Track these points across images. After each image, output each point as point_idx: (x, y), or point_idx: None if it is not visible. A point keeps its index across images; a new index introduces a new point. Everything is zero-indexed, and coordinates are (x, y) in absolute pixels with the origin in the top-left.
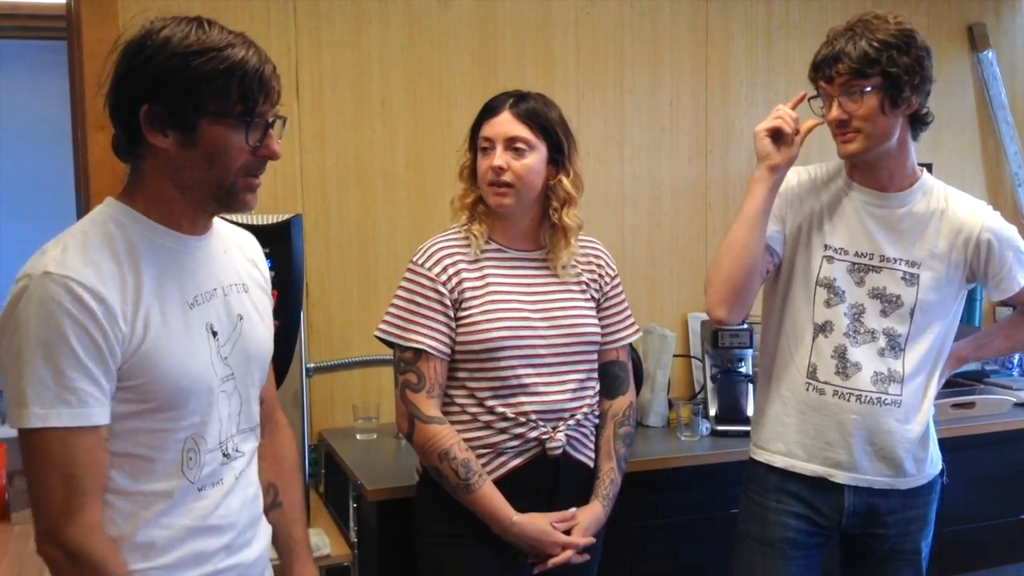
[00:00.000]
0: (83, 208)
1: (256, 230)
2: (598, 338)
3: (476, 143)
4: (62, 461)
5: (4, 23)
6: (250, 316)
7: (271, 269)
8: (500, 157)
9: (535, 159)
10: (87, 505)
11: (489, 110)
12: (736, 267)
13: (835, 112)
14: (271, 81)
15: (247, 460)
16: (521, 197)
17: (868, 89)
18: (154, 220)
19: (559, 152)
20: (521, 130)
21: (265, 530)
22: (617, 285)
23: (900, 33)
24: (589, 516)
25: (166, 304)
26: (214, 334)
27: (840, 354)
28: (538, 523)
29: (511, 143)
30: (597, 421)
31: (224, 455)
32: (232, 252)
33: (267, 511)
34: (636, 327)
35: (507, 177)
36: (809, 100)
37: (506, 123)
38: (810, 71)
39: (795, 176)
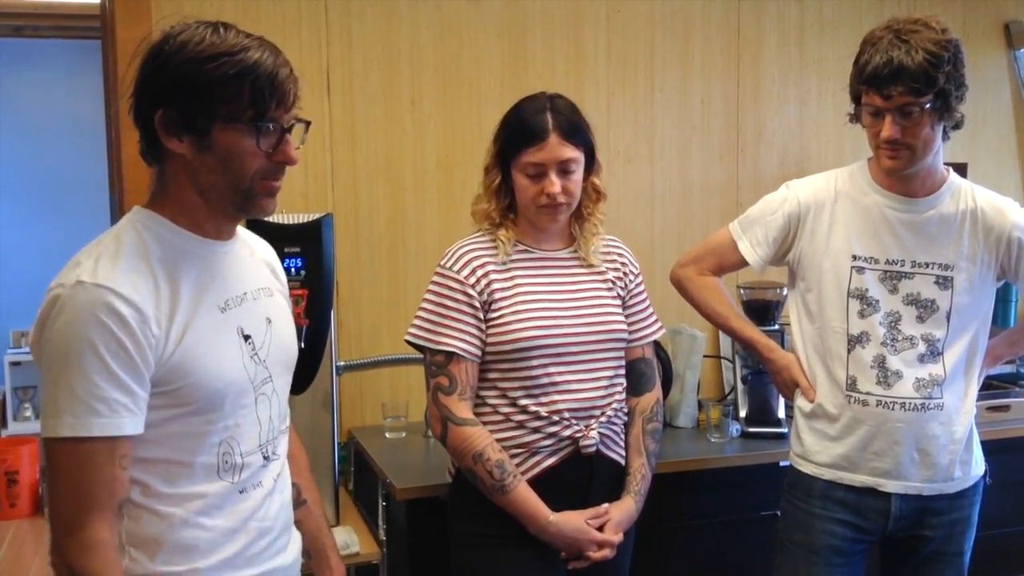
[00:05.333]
0: (117, 206)
1: (287, 229)
2: (626, 334)
3: (508, 161)
4: (75, 473)
5: (39, 22)
6: (277, 319)
7: (302, 268)
8: (557, 183)
9: (580, 171)
10: (93, 521)
11: (531, 134)
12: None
13: (891, 131)
14: (285, 85)
15: (282, 462)
16: (571, 210)
17: (927, 107)
18: (182, 227)
19: (591, 156)
20: (571, 152)
21: (297, 535)
22: (640, 283)
23: (948, 43)
24: (622, 511)
25: (201, 309)
26: (246, 337)
27: (880, 363)
28: (573, 521)
29: (563, 166)
30: (626, 419)
31: (264, 457)
32: (256, 257)
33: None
34: (660, 324)
35: (561, 199)
36: (851, 118)
37: (556, 148)
38: (860, 82)
39: (809, 188)
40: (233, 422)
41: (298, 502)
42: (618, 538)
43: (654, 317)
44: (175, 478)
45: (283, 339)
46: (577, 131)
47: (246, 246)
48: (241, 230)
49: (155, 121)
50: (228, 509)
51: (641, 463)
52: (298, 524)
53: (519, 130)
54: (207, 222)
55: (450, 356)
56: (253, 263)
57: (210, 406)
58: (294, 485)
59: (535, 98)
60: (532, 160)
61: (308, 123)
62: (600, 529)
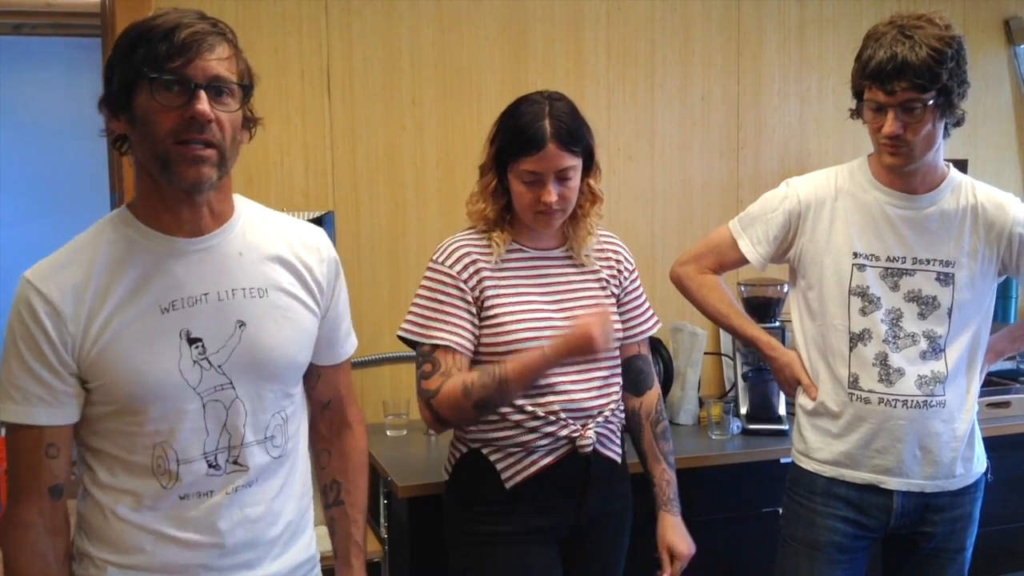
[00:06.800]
0: (117, 205)
1: None
2: (619, 334)
3: (505, 165)
4: (9, 455)
5: (39, 20)
6: (258, 322)
7: None
8: (554, 190)
9: (577, 177)
10: (19, 502)
11: (529, 143)
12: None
13: (893, 127)
14: (189, 39)
15: (254, 476)
16: (566, 215)
17: (929, 103)
18: (143, 222)
19: (590, 158)
20: (569, 160)
21: (285, 559)
22: (636, 279)
23: (952, 39)
24: (669, 531)
25: (133, 309)
26: (193, 341)
27: (882, 361)
28: (578, 325)
29: (561, 174)
30: (623, 416)
31: (211, 466)
32: (250, 255)
33: (328, 507)
34: (656, 320)
35: (557, 206)
36: (852, 114)
37: (554, 157)
38: (863, 77)
39: (810, 185)
40: (166, 427)
41: (336, 500)
42: (689, 552)
43: (651, 312)
44: (115, 470)
45: (261, 343)
46: (576, 138)
47: (239, 242)
48: (258, 222)
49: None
50: (162, 512)
51: (662, 469)
52: (332, 523)
53: (517, 137)
54: (162, 211)
55: (443, 349)
56: (241, 262)
57: (131, 408)
58: (335, 483)
59: (533, 101)
60: (529, 168)
61: (247, 86)
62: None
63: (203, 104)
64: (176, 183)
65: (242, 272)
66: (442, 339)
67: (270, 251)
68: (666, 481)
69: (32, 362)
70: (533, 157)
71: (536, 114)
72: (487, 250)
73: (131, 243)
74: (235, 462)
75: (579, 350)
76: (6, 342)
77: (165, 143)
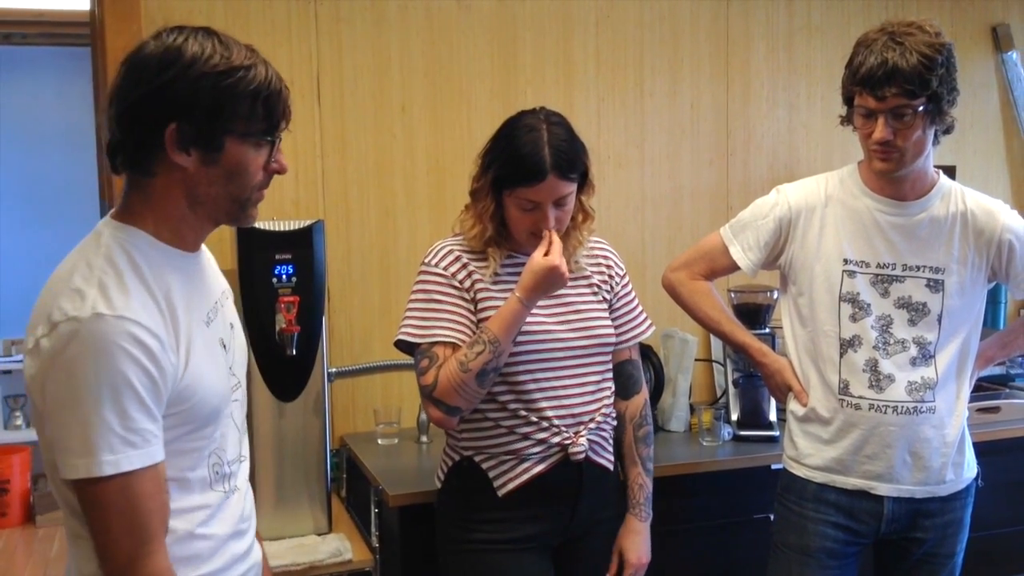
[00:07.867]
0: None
1: (278, 236)
2: (612, 339)
3: (501, 189)
4: (128, 508)
5: (29, 29)
6: (236, 322)
7: (293, 274)
8: (551, 217)
9: (573, 198)
10: (154, 553)
11: (529, 174)
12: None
13: (883, 132)
14: (288, 99)
15: (248, 462)
16: (561, 233)
17: (920, 110)
18: (163, 240)
19: (585, 178)
20: (568, 187)
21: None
22: (627, 284)
23: (941, 47)
24: (631, 537)
25: (194, 327)
26: (224, 347)
27: (872, 367)
28: (535, 262)
29: (559, 201)
30: (615, 423)
31: (240, 462)
32: (213, 261)
33: None
34: (650, 322)
35: (554, 227)
36: (842, 120)
37: (554, 187)
38: (853, 83)
39: (800, 192)
40: (219, 435)
41: None
42: (638, 562)
43: (644, 316)
44: (178, 496)
45: (242, 341)
46: (575, 165)
47: (205, 252)
48: None
49: (166, 135)
50: (220, 516)
51: (637, 472)
52: None
53: (516, 167)
54: (189, 233)
55: (441, 344)
56: (211, 269)
57: (207, 421)
58: None
59: (531, 127)
60: (528, 197)
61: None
62: (622, 564)
63: (284, 159)
64: (241, 224)
65: (216, 280)
66: (443, 335)
67: (211, 258)
68: (639, 485)
69: (148, 399)
70: (533, 188)
71: (535, 143)
72: (481, 263)
73: (162, 263)
74: (242, 454)
75: (548, 284)
76: (108, 390)
77: (253, 191)
